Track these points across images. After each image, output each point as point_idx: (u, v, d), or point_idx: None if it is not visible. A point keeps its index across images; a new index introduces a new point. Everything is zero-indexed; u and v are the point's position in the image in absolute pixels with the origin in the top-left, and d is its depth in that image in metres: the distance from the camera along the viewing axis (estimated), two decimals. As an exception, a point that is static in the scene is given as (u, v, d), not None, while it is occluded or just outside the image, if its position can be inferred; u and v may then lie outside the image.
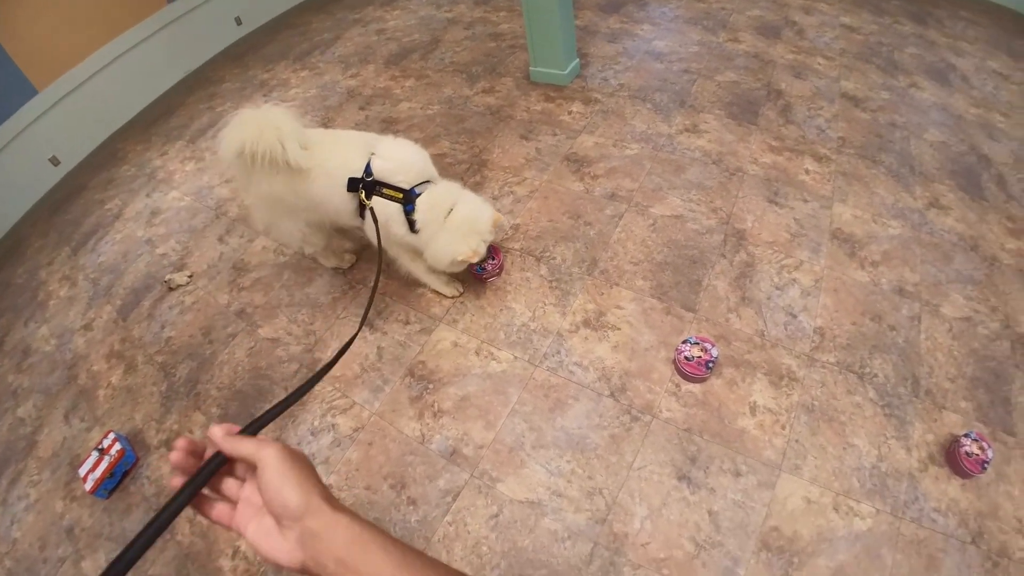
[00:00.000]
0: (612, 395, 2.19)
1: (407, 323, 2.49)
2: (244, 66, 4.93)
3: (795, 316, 2.38)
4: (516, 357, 2.31)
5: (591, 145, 3.15)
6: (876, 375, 2.25)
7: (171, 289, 2.88)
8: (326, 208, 2.23)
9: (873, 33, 4.18)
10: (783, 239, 2.65)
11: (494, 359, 2.33)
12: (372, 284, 1.74)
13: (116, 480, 2.21)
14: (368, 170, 2.11)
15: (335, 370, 2.35)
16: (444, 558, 1.94)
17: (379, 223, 2.09)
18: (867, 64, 3.82)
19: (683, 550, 1.90)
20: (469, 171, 3.13)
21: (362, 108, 3.81)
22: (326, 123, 3.76)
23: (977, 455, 2.06)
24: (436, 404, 2.21)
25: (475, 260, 2.18)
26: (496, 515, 1.96)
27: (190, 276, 2.92)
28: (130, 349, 2.73)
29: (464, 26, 4.62)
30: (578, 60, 3.62)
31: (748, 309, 2.39)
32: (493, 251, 2.55)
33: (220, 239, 3.13)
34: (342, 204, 2.18)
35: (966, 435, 2.10)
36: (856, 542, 1.97)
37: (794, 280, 2.50)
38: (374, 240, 2.11)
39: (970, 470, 2.07)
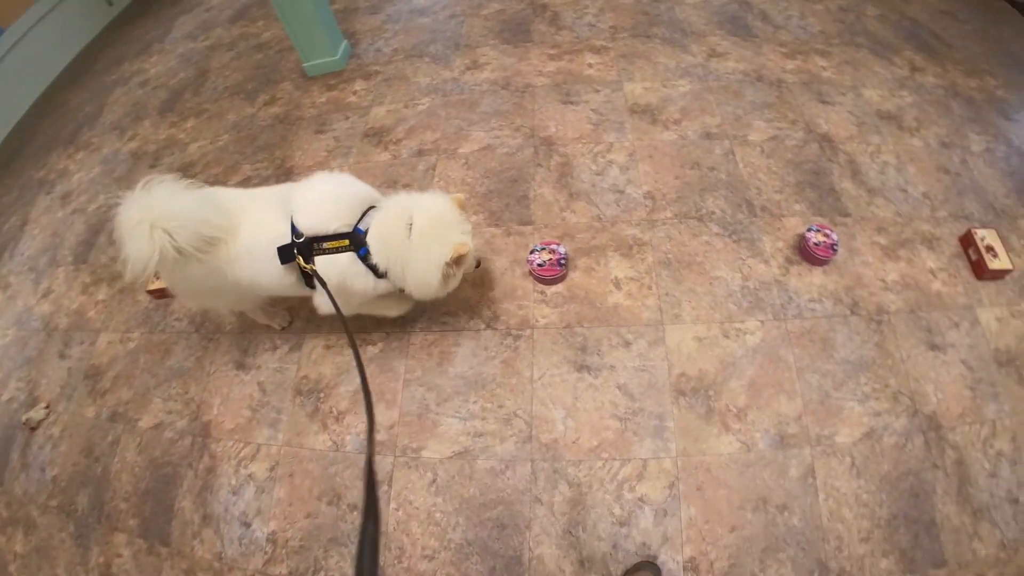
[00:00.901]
0: (488, 326, 2.30)
1: (275, 348, 2.48)
2: (14, 172, 4.56)
3: (623, 192, 2.58)
4: (388, 333, 2.38)
5: (384, 114, 3.20)
6: (713, 212, 2.51)
7: (33, 429, 2.69)
8: (260, 289, 1.92)
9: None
10: (587, 131, 2.84)
11: (369, 343, 2.37)
12: (356, 363, 1.41)
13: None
14: (296, 230, 1.74)
15: (229, 422, 2.35)
16: (406, 542, 2.01)
17: (335, 284, 1.78)
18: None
19: (611, 430, 2.08)
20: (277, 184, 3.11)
21: (152, 166, 3.65)
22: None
23: (824, 242, 2.39)
24: (333, 409, 2.25)
25: (465, 252, 1.78)
26: (433, 480, 2.05)
27: (47, 407, 2.73)
28: (20, 509, 2.55)
29: (227, 48, 4.48)
30: (347, 42, 3.63)
31: (579, 202, 2.57)
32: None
33: (61, 355, 2.96)
34: (278, 280, 1.83)
35: (808, 230, 2.42)
36: (755, 355, 2.24)
37: (610, 162, 2.70)
38: (329, 308, 1.77)
39: (824, 256, 2.39)
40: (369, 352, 2.33)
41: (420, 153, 2.93)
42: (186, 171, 3.45)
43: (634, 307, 2.29)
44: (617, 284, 2.34)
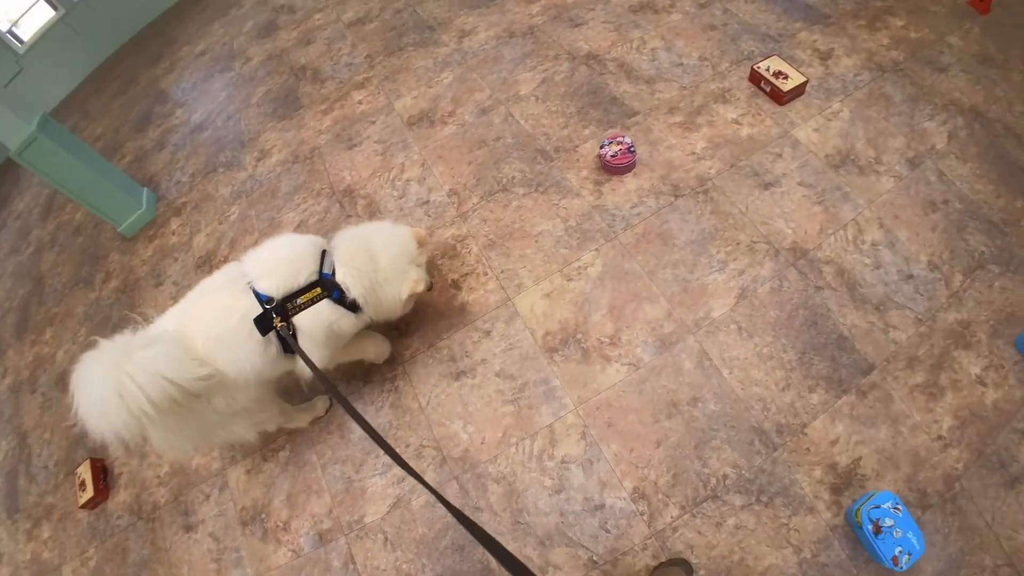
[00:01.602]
0: (365, 382, 2.40)
1: (207, 497, 2.52)
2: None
3: (428, 201, 2.69)
4: (288, 434, 2.47)
5: (205, 239, 3.26)
6: (514, 176, 2.65)
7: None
8: (248, 377, 1.77)
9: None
10: (378, 163, 2.95)
11: (278, 450, 2.47)
12: (350, 413, 1.41)
13: None
14: (262, 296, 1.68)
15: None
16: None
17: (322, 336, 1.78)
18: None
19: (508, 415, 2.21)
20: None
21: (33, 391, 3.64)
22: None
23: (620, 149, 2.54)
24: (278, 522, 2.30)
25: (422, 289, 1.91)
26: (385, 539, 2.13)
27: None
28: None
29: (49, 246, 4.46)
30: (147, 189, 3.67)
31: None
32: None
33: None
34: (262, 357, 1.73)
35: (602, 146, 2.56)
36: (603, 282, 2.39)
37: (407, 180, 2.81)
38: (306, 369, 1.71)
39: (625, 162, 2.54)
40: (282, 457, 2.40)
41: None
42: (61, 381, 3.44)
43: (479, 298, 2.40)
44: (456, 285, 2.45)
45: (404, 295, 1.88)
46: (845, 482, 2.03)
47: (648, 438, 2.05)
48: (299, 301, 1.71)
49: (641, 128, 2.70)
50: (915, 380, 2.20)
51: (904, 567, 1.83)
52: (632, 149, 2.47)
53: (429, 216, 2.60)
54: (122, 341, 1.58)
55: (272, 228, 2.98)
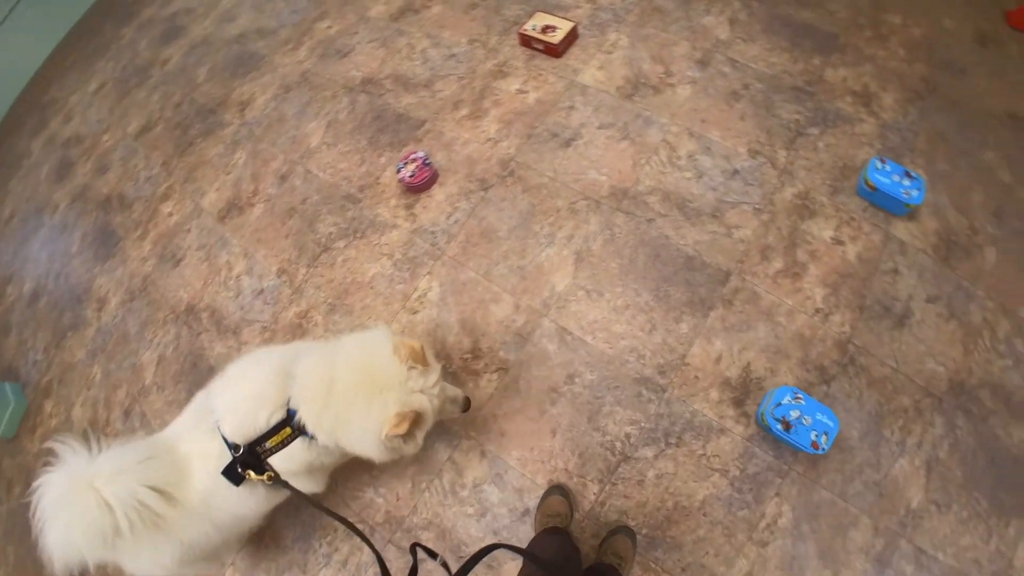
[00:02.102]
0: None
1: None
2: None
3: (263, 289, 2.63)
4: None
5: (81, 410, 3.03)
6: (330, 232, 2.71)
7: None
8: (243, 520, 1.62)
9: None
10: (205, 270, 2.86)
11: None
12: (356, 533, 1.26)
13: None
14: (232, 445, 1.45)
15: None
16: None
17: (304, 472, 1.57)
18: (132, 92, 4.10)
19: (409, 462, 2.21)
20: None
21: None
22: None
23: (417, 166, 2.56)
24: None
25: (404, 429, 1.40)
26: None
27: None
28: None
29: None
30: (7, 383, 3.51)
31: (245, 330, 2.58)
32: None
33: None
34: (250, 499, 1.53)
35: (398, 170, 2.56)
36: (445, 303, 2.45)
37: (238, 276, 2.73)
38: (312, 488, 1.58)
39: (424, 177, 2.56)
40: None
41: (127, 414, 2.89)
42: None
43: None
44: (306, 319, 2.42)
45: (381, 436, 1.41)
46: (743, 392, 2.11)
47: (542, 431, 2.06)
48: (267, 445, 1.46)
49: (433, 135, 2.68)
50: (775, 268, 2.29)
51: (827, 446, 1.90)
52: (427, 161, 2.45)
53: (268, 304, 2.54)
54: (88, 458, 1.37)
55: (135, 374, 2.89)
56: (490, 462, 2.10)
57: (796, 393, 1.92)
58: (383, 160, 2.64)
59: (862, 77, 2.76)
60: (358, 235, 2.49)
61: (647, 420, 2.06)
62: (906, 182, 2.31)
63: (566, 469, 2.04)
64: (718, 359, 2.15)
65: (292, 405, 1.46)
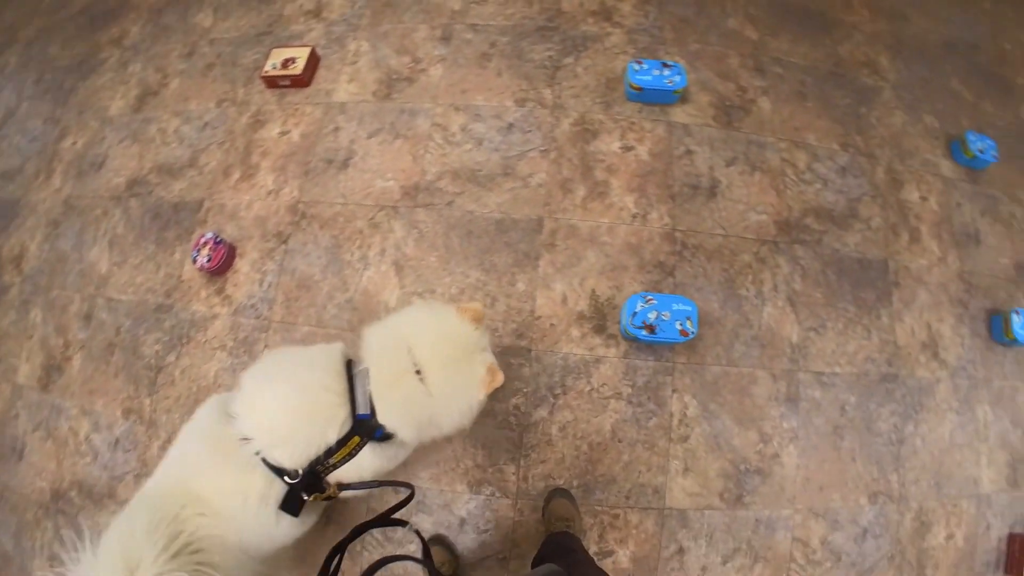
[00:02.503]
0: None
1: None
2: None
3: (117, 439, 2.45)
4: None
5: None
6: (157, 350, 2.56)
7: None
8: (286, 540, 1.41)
9: None
10: (51, 446, 2.64)
11: None
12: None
13: None
14: (280, 471, 1.28)
15: None
16: None
17: (370, 477, 1.40)
18: None
19: None
20: None
21: None
22: None
23: (209, 248, 2.48)
24: None
25: (502, 379, 1.39)
26: None
27: None
28: None
29: None
30: None
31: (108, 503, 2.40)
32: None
33: None
34: (298, 524, 1.37)
35: (193, 260, 2.48)
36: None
37: (86, 438, 2.55)
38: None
39: (222, 255, 2.48)
40: None
41: None
42: None
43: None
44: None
45: (480, 397, 1.38)
46: (600, 317, 2.22)
47: (437, 442, 2.04)
48: (332, 461, 1.30)
49: (215, 210, 2.58)
50: (580, 196, 2.41)
51: (694, 329, 2.06)
52: (219, 239, 2.37)
53: (129, 451, 2.40)
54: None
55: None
56: (415, 504, 2.07)
57: (645, 296, 2.03)
58: (177, 256, 2.52)
59: None
60: (184, 341, 2.37)
61: (527, 384, 2.12)
62: (666, 72, 2.50)
63: (477, 464, 2.08)
64: (563, 299, 2.24)
65: (361, 407, 1.31)
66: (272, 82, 2.79)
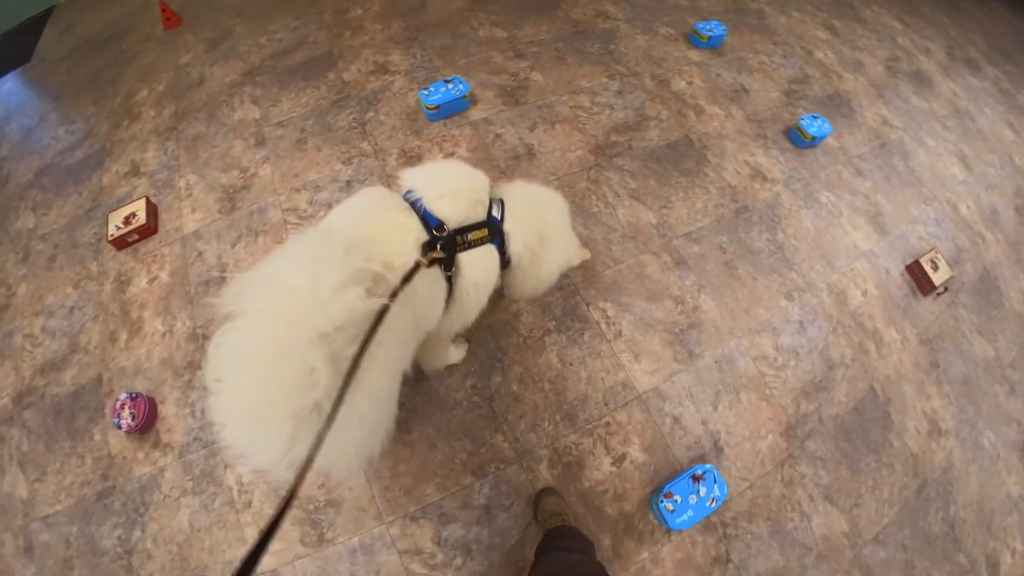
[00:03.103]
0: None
1: None
2: None
3: None
4: None
5: None
6: (118, 534, 2.42)
7: None
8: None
9: None
10: None
11: None
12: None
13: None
14: (432, 219, 1.45)
15: None
16: None
17: (482, 285, 1.60)
18: None
19: None
20: None
21: None
22: None
23: (130, 412, 2.41)
24: None
25: (588, 257, 2.13)
26: None
27: None
28: None
29: None
30: None
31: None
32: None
33: None
34: (437, 302, 1.52)
35: (118, 427, 2.41)
36: None
37: None
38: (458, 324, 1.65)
39: (145, 412, 2.47)
40: None
41: None
42: None
43: None
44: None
45: (575, 262, 1.98)
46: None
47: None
48: (470, 237, 1.48)
49: (117, 377, 2.55)
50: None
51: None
52: (134, 396, 2.37)
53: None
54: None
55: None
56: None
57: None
58: (97, 438, 2.48)
59: (368, 60, 3.50)
60: (142, 511, 2.33)
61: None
62: (451, 86, 3.01)
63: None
64: None
65: (494, 213, 1.55)
66: (121, 242, 2.88)
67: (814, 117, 3.24)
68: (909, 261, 2.88)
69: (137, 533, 2.31)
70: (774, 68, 3.63)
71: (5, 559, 2.48)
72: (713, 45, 3.71)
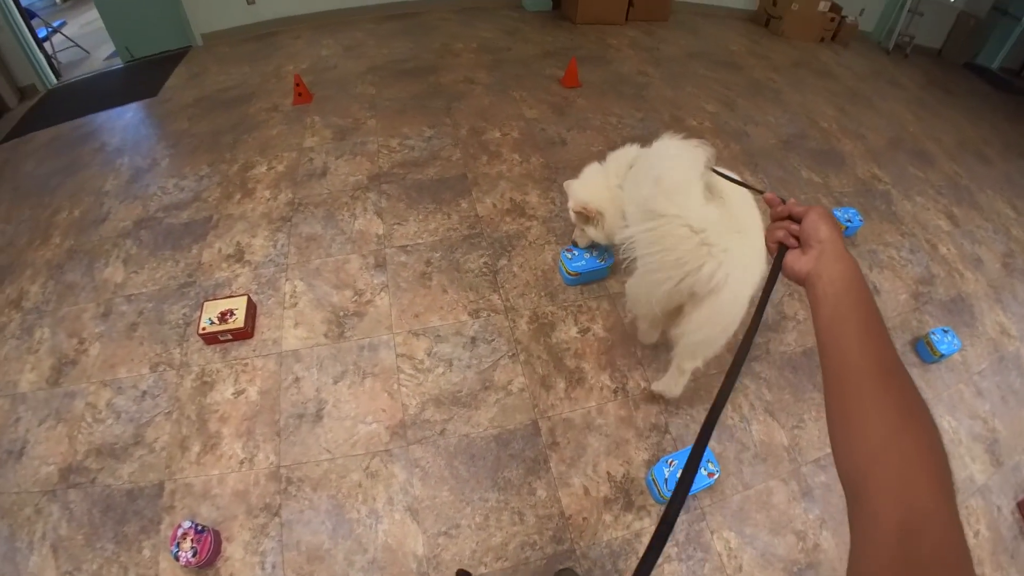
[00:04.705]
0: None
1: None
2: None
3: None
4: None
5: None
6: None
7: None
8: None
9: None
10: None
11: None
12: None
13: None
14: None
15: None
16: None
17: None
18: None
19: None
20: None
21: None
22: None
23: (192, 541, 2.15)
24: None
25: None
26: None
27: None
28: None
29: None
30: None
31: None
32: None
33: None
34: None
35: (176, 558, 2.17)
36: None
37: None
38: None
39: (208, 547, 2.18)
40: None
41: None
42: None
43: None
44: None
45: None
46: (625, 494, 2.49)
47: None
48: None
49: (181, 493, 2.50)
50: (561, 388, 2.78)
51: (717, 469, 2.58)
52: (199, 528, 2.30)
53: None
54: None
55: None
56: None
57: (667, 460, 2.38)
58: (147, 553, 2.39)
59: (504, 195, 3.60)
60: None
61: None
62: (595, 252, 3.01)
63: None
64: (585, 492, 2.45)
65: None
66: (211, 338, 2.86)
67: (944, 331, 3.10)
68: (1021, 496, 2.81)
69: None
70: (902, 265, 3.60)
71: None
72: (848, 235, 3.59)
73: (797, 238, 0.86)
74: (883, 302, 3.37)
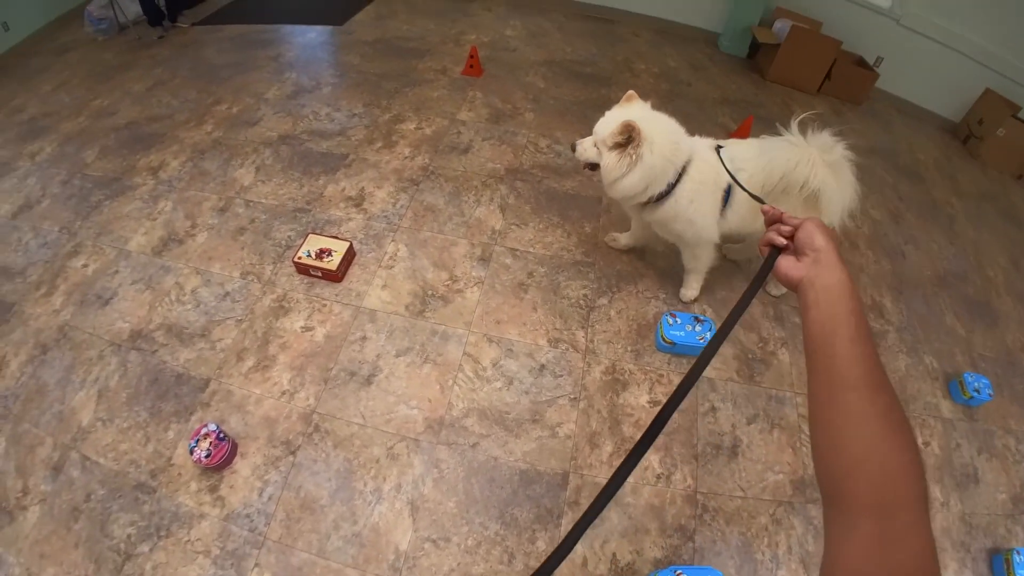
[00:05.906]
0: None
1: None
2: None
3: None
4: None
5: None
6: (129, 534, 2.47)
7: None
8: None
9: None
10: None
11: None
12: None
13: None
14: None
15: None
16: None
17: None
18: None
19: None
20: None
21: None
22: None
23: (211, 442, 2.48)
24: None
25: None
26: None
27: None
28: None
29: None
30: None
31: None
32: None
33: None
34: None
35: (191, 450, 2.55)
36: None
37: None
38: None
39: (223, 454, 2.52)
40: None
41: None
42: None
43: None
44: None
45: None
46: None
47: None
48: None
49: (220, 395, 2.69)
50: (607, 453, 2.61)
51: None
52: (222, 436, 2.45)
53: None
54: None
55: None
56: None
57: (675, 570, 2.20)
58: (171, 435, 2.59)
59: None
60: (163, 533, 2.39)
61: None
62: (698, 327, 2.86)
63: None
64: (583, 562, 2.35)
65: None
66: (303, 269, 3.03)
67: (1028, 555, 2.49)
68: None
69: (145, 548, 2.41)
70: (1017, 461, 3.20)
71: (35, 459, 2.66)
72: (971, 404, 3.12)
73: (789, 240, 0.89)
74: (977, 493, 2.95)
